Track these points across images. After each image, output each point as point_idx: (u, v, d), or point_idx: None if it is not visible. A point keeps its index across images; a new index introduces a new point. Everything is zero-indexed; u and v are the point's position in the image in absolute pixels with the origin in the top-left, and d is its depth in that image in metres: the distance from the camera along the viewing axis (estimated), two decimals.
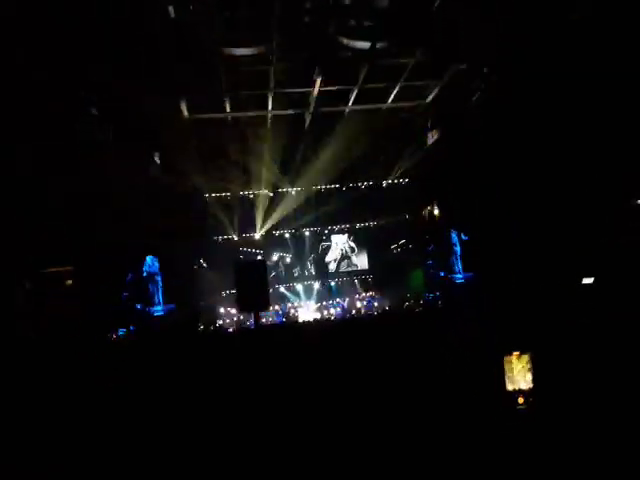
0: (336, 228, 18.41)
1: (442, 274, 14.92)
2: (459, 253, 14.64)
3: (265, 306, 7.40)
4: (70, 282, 12.10)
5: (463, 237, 14.52)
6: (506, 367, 3.98)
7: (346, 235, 18.78)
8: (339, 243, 18.78)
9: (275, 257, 17.75)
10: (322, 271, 18.40)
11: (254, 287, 6.76)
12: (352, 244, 18.75)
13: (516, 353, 4.01)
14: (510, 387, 3.93)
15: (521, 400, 3.90)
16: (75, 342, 8.71)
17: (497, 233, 11.27)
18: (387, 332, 7.36)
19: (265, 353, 6.36)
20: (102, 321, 11.14)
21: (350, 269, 18.71)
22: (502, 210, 11.24)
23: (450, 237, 14.81)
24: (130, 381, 5.64)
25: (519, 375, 3.93)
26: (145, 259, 13.76)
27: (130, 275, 13.40)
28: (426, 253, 16.10)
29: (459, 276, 14.46)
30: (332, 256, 18.71)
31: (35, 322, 10.22)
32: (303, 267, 18.28)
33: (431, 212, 16.86)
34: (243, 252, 16.89)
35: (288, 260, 17.87)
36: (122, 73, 9.39)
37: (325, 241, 18.61)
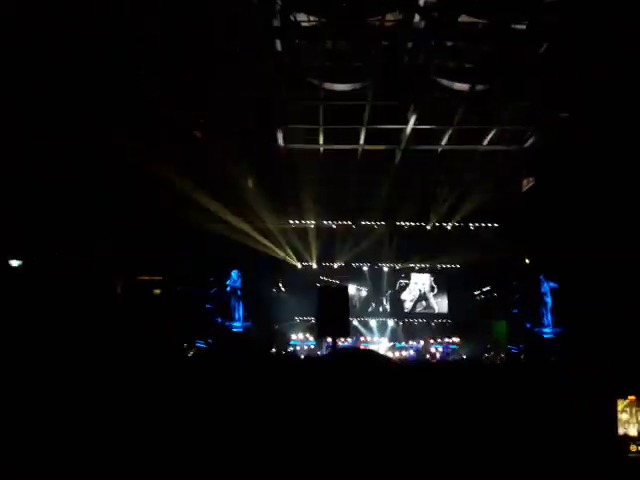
0: (417, 267, 18.29)
1: (529, 326, 14.30)
2: (550, 304, 13.99)
3: (345, 333, 7.60)
4: (158, 291, 13.14)
5: (552, 285, 13.89)
6: (619, 411, 3.92)
7: (427, 275, 18.55)
8: (418, 282, 18.59)
9: (352, 290, 17.94)
10: (398, 309, 18.26)
11: (336, 313, 6.98)
12: (433, 284, 18.48)
13: (632, 397, 3.92)
14: (622, 432, 3.86)
15: (634, 448, 3.82)
16: (159, 348, 9.35)
17: (596, 286, 10.75)
18: (466, 383, 7.22)
19: (339, 385, 6.49)
20: (185, 330, 11.82)
21: (427, 311, 18.40)
22: (600, 263, 10.74)
23: (540, 286, 14.23)
24: (200, 396, 5.96)
25: (633, 420, 3.85)
26: (230, 273, 14.61)
27: (215, 288, 14.27)
28: (512, 302, 15.53)
29: (548, 330, 13.77)
30: (409, 295, 18.55)
31: (124, 325, 11.00)
32: (379, 303, 18.28)
33: (521, 260, 16.31)
34: (321, 280, 17.29)
35: (364, 293, 17.99)
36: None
37: (404, 278, 18.51)
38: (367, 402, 5.94)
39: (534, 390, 6.37)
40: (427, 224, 16.58)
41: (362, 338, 17.42)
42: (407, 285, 18.59)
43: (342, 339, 15.51)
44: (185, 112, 10.53)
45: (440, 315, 18.32)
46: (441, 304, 18.47)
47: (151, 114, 10.10)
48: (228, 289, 14.58)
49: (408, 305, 18.51)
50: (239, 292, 14.78)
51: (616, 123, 9.37)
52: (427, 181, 13.67)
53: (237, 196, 13.49)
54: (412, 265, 18.09)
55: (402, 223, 16.55)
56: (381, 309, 18.29)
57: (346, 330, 7.44)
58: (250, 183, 14.26)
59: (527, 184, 13.74)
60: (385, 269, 18.25)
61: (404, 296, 18.54)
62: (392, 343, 17.37)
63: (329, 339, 14.94)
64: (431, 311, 18.39)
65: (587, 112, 10.06)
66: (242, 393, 6.13)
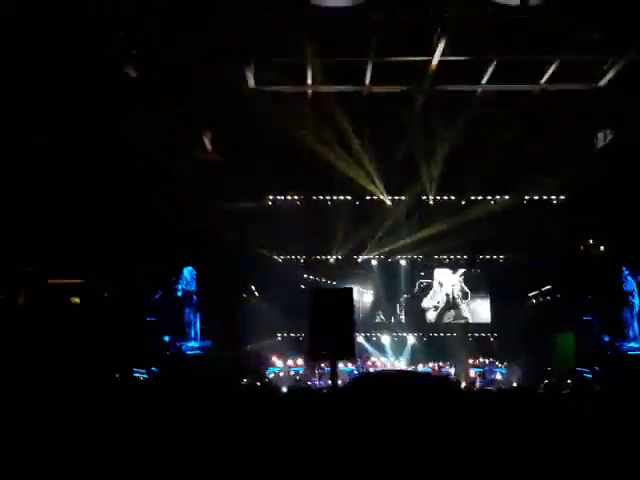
0: (446, 259, 18.42)
1: (607, 339, 14.55)
2: (637, 309, 14.19)
3: (349, 353, 7.52)
4: (77, 300, 13.15)
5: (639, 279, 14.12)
6: None
7: (458, 273, 18.67)
8: (445, 283, 18.69)
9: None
10: (417, 321, 18.38)
11: (336, 326, 6.87)
12: (465, 287, 18.62)
13: None
14: None
15: None
16: (78, 380, 9.37)
17: None
18: (516, 423, 7.33)
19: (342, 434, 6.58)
20: (117, 355, 11.86)
21: (457, 321, 18.58)
22: None
23: (622, 283, 14.44)
24: (135, 450, 6.03)
25: None
26: (182, 272, 14.65)
27: (160, 294, 14.28)
28: (582, 306, 15.75)
29: (634, 345, 13.98)
30: (432, 301, 18.68)
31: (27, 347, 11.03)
32: (390, 312, 18.39)
33: (594, 246, 16.50)
34: (306, 281, 17.36)
35: (369, 299, 18.05)
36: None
37: (425, 277, 18.58)
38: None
39: (615, 434, 6.51)
40: (462, 198, 16.65)
41: (369, 361, 17.60)
42: (430, 287, 18.67)
43: (344, 363, 15.66)
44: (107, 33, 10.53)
45: (479, 327, 18.53)
46: (480, 312, 18.66)
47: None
48: (179, 294, 14.62)
49: (431, 316, 18.63)
50: (195, 298, 14.84)
51: None
52: (460, 136, 13.67)
53: (190, 163, 13.43)
54: (440, 257, 18.18)
55: (426, 196, 16.53)
56: (393, 320, 18.38)
57: (351, 350, 7.38)
58: (207, 143, 14.22)
59: (603, 139, 13.83)
60: (402, 263, 18.32)
61: (426, 303, 18.64)
62: (412, 367, 17.56)
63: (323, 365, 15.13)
64: (462, 321, 18.56)
65: None
66: (196, 450, 6.22)
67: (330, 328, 7.03)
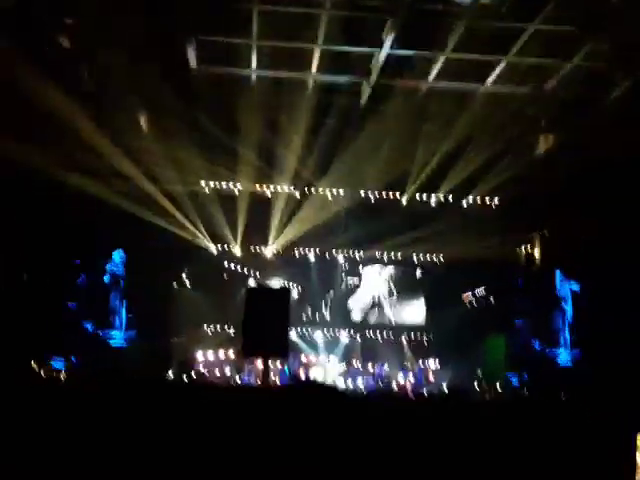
0: (384, 257, 18.36)
1: (537, 346, 14.64)
2: (569, 314, 14.27)
3: (283, 351, 7.54)
4: None
5: (574, 286, 14.21)
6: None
7: (387, 273, 18.67)
8: (373, 283, 18.67)
9: (276, 286, 17.59)
10: (342, 318, 18.32)
11: (271, 324, 6.88)
12: (393, 288, 18.65)
13: None
14: None
15: None
16: None
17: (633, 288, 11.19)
18: (442, 428, 7.24)
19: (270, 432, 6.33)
20: (33, 341, 11.33)
21: (383, 322, 18.58)
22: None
23: (555, 287, 14.53)
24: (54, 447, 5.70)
25: None
26: (112, 255, 14.03)
27: (82, 276, 13.66)
28: (515, 310, 15.90)
29: (564, 352, 14.08)
30: (359, 301, 18.65)
31: None
32: (315, 308, 18.21)
33: (530, 250, 16.73)
34: (233, 272, 17.05)
35: (295, 295, 17.83)
36: None
37: (353, 275, 18.54)
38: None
39: (537, 442, 6.47)
40: (402, 196, 16.64)
41: (303, 357, 17.37)
42: (357, 286, 18.66)
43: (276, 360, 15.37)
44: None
45: (411, 328, 18.54)
46: (410, 312, 18.67)
47: None
48: (106, 278, 14.06)
49: (357, 316, 18.61)
50: (122, 283, 14.33)
51: None
52: (405, 133, 13.63)
53: (123, 143, 13.05)
54: (374, 255, 18.15)
55: (367, 193, 16.53)
56: (318, 317, 18.23)
57: (284, 348, 7.37)
58: (143, 124, 13.72)
59: (545, 144, 14.02)
60: (338, 259, 18.20)
61: (352, 303, 18.61)
62: (345, 366, 17.44)
63: (258, 362, 14.83)
64: (386, 322, 18.58)
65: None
66: (108, 440, 5.86)
67: (264, 326, 6.96)
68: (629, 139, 11.24)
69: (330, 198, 16.56)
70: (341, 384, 16.26)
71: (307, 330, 18.01)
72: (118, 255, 14.23)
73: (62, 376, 12.20)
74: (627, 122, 11.66)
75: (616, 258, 12.27)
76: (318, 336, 18.06)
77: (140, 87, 12.40)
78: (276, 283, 17.61)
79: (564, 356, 14.28)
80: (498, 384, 15.04)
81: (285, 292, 7.57)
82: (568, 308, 14.48)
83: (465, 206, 16.83)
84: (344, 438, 6.33)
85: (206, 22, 11.19)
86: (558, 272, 14.80)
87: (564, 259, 14.84)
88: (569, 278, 14.58)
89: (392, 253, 18.27)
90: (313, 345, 17.99)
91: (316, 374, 16.84)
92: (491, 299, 17.47)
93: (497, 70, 12.52)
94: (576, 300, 14.34)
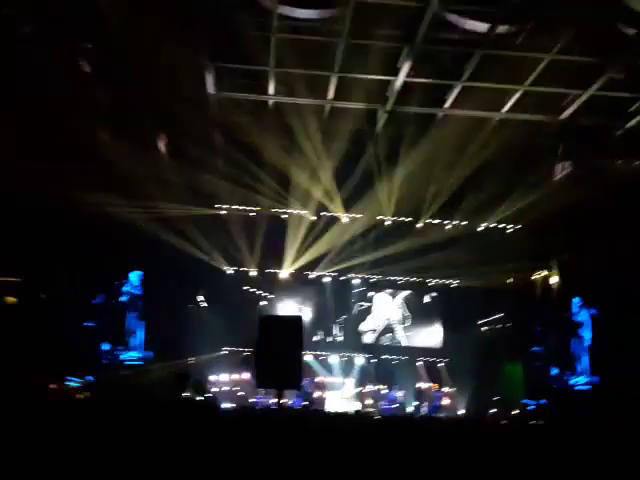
0: (396, 281, 18.39)
1: (555, 372, 14.51)
2: (587, 342, 14.12)
3: (295, 384, 7.56)
4: (13, 299, 12.64)
5: (592, 312, 14.07)
6: None
7: (400, 297, 18.67)
8: (385, 307, 18.68)
9: (287, 309, 17.67)
10: (353, 341, 18.40)
11: (282, 356, 6.89)
12: (406, 311, 18.66)
13: None
14: None
15: None
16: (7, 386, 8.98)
17: None
18: (457, 453, 7.21)
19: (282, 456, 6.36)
20: (50, 361, 11.41)
21: (396, 345, 18.52)
22: None
23: (573, 314, 14.41)
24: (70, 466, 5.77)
25: None
26: (129, 276, 14.19)
27: (100, 297, 13.79)
28: (532, 336, 15.80)
29: (582, 379, 13.92)
30: (371, 324, 18.65)
31: None
32: (329, 331, 18.25)
33: (547, 277, 16.65)
34: (248, 294, 17.14)
35: (309, 316, 17.86)
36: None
37: (366, 299, 18.60)
38: None
39: (554, 469, 6.42)
40: (418, 221, 16.68)
41: (318, 379, 17.40)
42: (369, 309, 18.67)
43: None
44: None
45: (430, 352, 18.49)
46: (424, 337, 18.63)
47: None
48: (124, 298, 14.19)
49: (368, 339, 18.61)
50: (140, 303, 14.45)
51: None
52: (421, 159, 13.67)
53: (142, 167, 13.16)
54: (390, 278, 18.20)
55: (383, 217, 16.56)
56: (331, 340, 18.25)
57: (297, 380, 7.40)
58: (163, 148, 13.91)
59: (561, 171, 13.99)
60: (353, 282, 18.28)
61: (364, 325, 18.61)
62: (359, 388, 17.44)
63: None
64: (399, 346, 18.53)
65: None
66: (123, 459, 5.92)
67: (277, 358, 6.98)
68: None
69: (346, 222, 16.61)
70: (355, 407, 16.24)
71: (322, 352, 18.04)
72: (136, 276, 14.36)
73: (79, 396, 12.28)
74: None
75: (634, 284, 12.19)
76: (333, 358, 18.09)
77: (160, 112, 12.57)
78: (290, 305, 17.69)
79: (583, 382, 14.10)
80: (515, 410, 14.92)
81: (298, 321, 7.53)
82: (586, 334, 14.30)
83: (481, 232, 16.83)
84: (356, 461, 6.35)
85: (224, 50, 11.38)
86: (576, 298, 14.70)
87: (581, 285, 14.74)
88: (587, 304, 14.46)
89: (407, 278, 18.33)
90: (328, 367, 18.01)
91: (330, 396, 16.85)
92: (509, 325, 17.40)
93: (514, 98, 12.55)
94: (595, 326, 14.18)
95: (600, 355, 13.93)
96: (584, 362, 14.26)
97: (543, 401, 14.28)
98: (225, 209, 16.17)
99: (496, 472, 6.25)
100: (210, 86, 12.37)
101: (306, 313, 17.71)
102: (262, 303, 17.49)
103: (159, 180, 13.80)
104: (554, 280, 16.33)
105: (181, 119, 12.74)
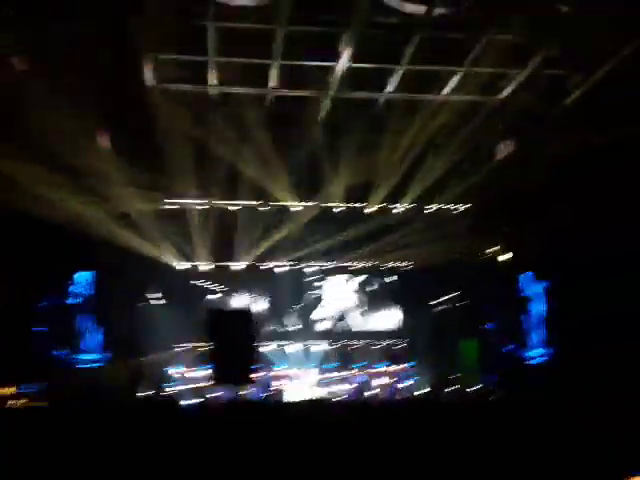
0: (349, 267, 18.47)
1: (508, 347, 14.71)
2: (540, 315, 14.32)
3: (246, 380, 7.51)
4: None
5: (542, 285, 14.28)
6: None
7: (355, 282, 18.75)
8: (338, 293, 18.73)
9: (239, 302, 17.58)
10: (308, 330, 18.43)
11: (234, 352, 6.83)
12: (362, 296, 18.75)
13: None
14: None
15: None
16: None
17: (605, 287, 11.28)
18: (418, 430, 7.31)
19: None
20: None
21: (351, 331, 18.57)
22: (606, 253, 11.32)
23: (523, 287, 14.60)
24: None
25: None
26: (73, 277, 13.88)
27: (48, 300, 13.51)
28: (485, 313, 16.03)
29: (536, 352, 14.12)
30: (326, 311, 18.68)
31: None
32: (283, 321, 18.23)
33: (497, 254, 16.92)
34: (200, 289, 17.13)
35: (263, 308, 17.83)
36: None
37: (319, 287, 18.63)
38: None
39: (512, 442, 6.54)
40: (367, 206, 16.75)
41: (277, 370, 17.36)
42: (322, 297, 18.70)
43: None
44: None
45: (384, 335, 18.64)
46: (380, 320, 18.78)
47: None
48: (75, 300, 13.93)
49: (323, 326, 18.65)
50: (90, 304, 14.21)
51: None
52: (366, 144, 13.71)
53: (84, 164, 12.90)
54: (342, 265, 18.25)
55: (331, 204, 16.57)
56: (287, 329, 18.25)
57: (247, 376, 7.35)
58: (104, 143, 13.65)
59: (504, 150, 14.18)
60: (310, 270, 18.29)
61: (319, 314, 18.65)
62: (321, 375, 17.48)
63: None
64: (356, 331, 18.69)
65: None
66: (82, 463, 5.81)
67: (230, 354, 6.92)
68: (586, 141, 11.46)
69: (296, 211, 16.62)
70: (316, 394, 16.30)
71: (279, 343, 18.01)
72: (83, 277, 14.10)
73: (34, 403, 12.05)
74: (584, 125, 11.86)
75: (584, 256, 12.43)
76: (291, 348, 18.07)
77: (96, 106, 12.29)
78: (243, 298, 17.62)
79: (536, 355, 14.31)
80: (472, 386, 15.15)
81: (247, 312, 7.44)
82: (538, 308, 14.54)
83: (431, 213, 17.00)
84: (319, 448, 6.37)
85: (161, 40, 11.17)
86: (526, 273, 14.93)
87: (531, 260, 14.99)
88: (537, 278, 14.69)
89: (359, 262, 18.41)
90: (286, 357, 17.98)
91: (291, 386, 16.85)
92: (462, 303, 17.61)
93: (454, 80, 12.66)
94: (546, 299, 14.41)
95: (554, 327, 14.15)
96: (537, 335, 14.48)
97: (498, 376, 14.51)
98: (173, 203, 15.94)
99: (456, 448, 6.35)
100: (149, 78, 12.15)
101: (259, 305, 17.67)
102: (210, 297, 17.36)
103: (104, 176, 13.54)
104: (504, 256, 16.58)
105: (121, 113, 12.49)
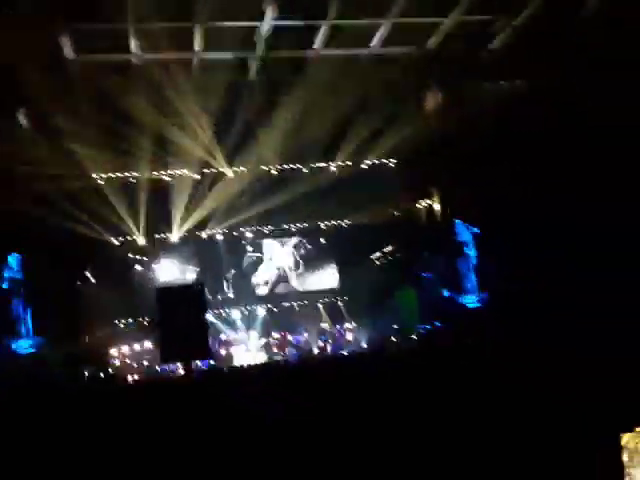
0: (293, 228, 18.45)
1: (445, 294, 14.95)
2: (473, 261, 14.60)
3: (204, 353, 7.36)
4: None
5: (474, 231, 14.46)
6: (627, 449, 3.71)
7: (291, 244, 18.82)
8: (276, 256, 18.75)
9: (172, 272, 17.45)
10: (246, 295, 18.31)
11: (186, 327, 6.69)
12: (299, 258, 18.78)
13: None
14: (636, 477, 3.61)
15: None
16: None
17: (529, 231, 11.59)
18: (367, 383, 7.41)
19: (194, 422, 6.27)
20: None
21: (292, 292, 18.67)
22: (533, 198, 11.63)
23: (456, 235, 14.74)
24: None
25: None
26: (7, 260, 13.44)
27: None
28: (421, 263, 16.23)
29: (471, 298, 14.41)
30: (264, 276, 18.69)
31: None
32: (216, 289, 18.06)
33: (430, 205, 17.18)
34: (139, 262, 16.90)
35: (192, 276, 17.61)
36: None
37: (255, 251, 18.55)
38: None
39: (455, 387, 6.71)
40: (303, 167, 16.77)
41: (222, 337, 17.29)
42: (260, 261, 18.68)
43: None
44: None
45: (327, 293, 18.78)
46: (321, 279, 18.89)
47: None
48: (5, 285, 13.41)
49: (263, 290, 18.65)
50: (22, 290, 13.69)
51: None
52: (299, 103, 13.59)
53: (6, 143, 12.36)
54: (280, 228, 18.23)
55: (268, 167, 16.51)
56: (220, 297, 18.15)
57: (204, 349, 7.21)
58: (23, 121, 13.08)
59: (432, 100, 14.31)
60: (246, 236, 18.14)
61: (257, 279, 18.62)
62: (265, 339, 17.50)
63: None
64: (297, 292, 18.72)
65: None
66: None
67: (180, 329, 6.74)
68: (513, 90, 11.71)
69: (231, 176, 16.42)
70: (263, 357, 16.33)
71: (222, 309, 17.90)
72: (14, 259, 13.53)
73: None
74: (510, 72, 12.07)
75: (511, 203, 12.70)
76: (233, 314, 18.00)
77: (15, 82, 11.71)
78: (183, 269, 17.38)
79: (472, 300, 14.54)
80: (413, 336, 15.41)
81: (198, 288, 7.29)
82: (471, 254, 14.71)
83: (364, 169, 17.12)
84: (272, 409, 6.37)
85: (78, 9, 10.69)
86: (457, 220, 15.12)
87: (462, 208, 15.20)
88: (469, 225, 14.85)
89: (298, 224, 18.43)
90: (229, 323, 17.91)
91: (237, 352, 16.82)
92: (398, 255, 17.84)
93: (379, 33, 12.66)
94: (477, 245, 14.65)
95: (486, 272, 14.49)
96: (471, 281, 14.70)
97: (437, 323, 14.78)
98: (102, 178, 15.48)
99: (403, 398, 6.46)
100: (68, 51, 11.64)
101: (195, 273, 17.45)
102: (148, 270, 17.08)
103: (27, 156, 12.97)
104: (436, 207, 16.86)
105: (41, 88, 11.91)
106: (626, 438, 3.64)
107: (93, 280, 16.34)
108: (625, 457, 3.64)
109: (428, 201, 17.26)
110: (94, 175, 15.32)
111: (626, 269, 9.85)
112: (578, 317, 9.24)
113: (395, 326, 16.55)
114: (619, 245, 10.22)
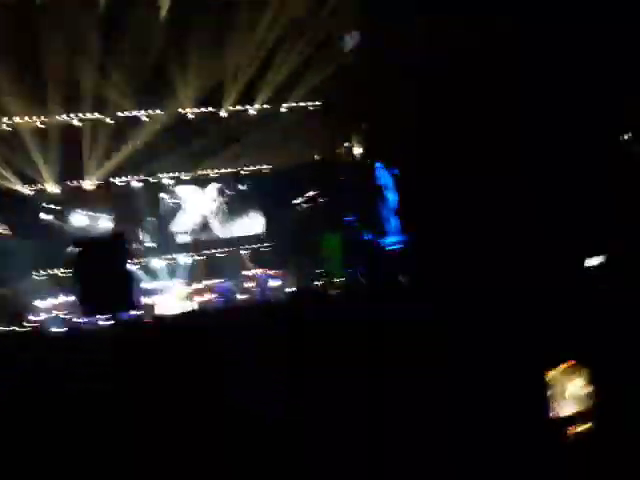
0: (211, 174, 18.07)
1: (369, 237, 15.06)
2: (393, 203, 14.67)
3: (129, 305, 7.16)
4: None
5: (394, 173, 14.53)
6: (552, 385, 3.89)
7: (213, 190, 18.47)
8: (194, 203, 18.38)
9: (87, 222, 16.85)
10: (166, 244, 17.96)
11: (107, 277, 6.43)
12: (222, 204, 18.49)
13: (565, 365, 3.93)
14: (560, 412, 3.72)
15: (574, 429, 3.79)
16: None
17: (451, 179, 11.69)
18: (296, 328, 7.40)
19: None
20: None
21: (214, 239, 18.47)
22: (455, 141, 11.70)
23: (377, 177, 14.79)
24: None
25: (571, 395, 3.86)
26: None
27: None
28: (344, 207, 16.28)
29: (393, 239, 14.55)
30: (183, 224, 18.34)
31: None
32: (144, 237, 17.66)
33: (351, 148, 17.16)
34: (51, 212, 16.24)
35: (105, 225, 17.12)
36: None
37: (174, 197, 18.13)
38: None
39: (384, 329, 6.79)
40: (220, 110, 16.29)
41: (144, 286, 16.98)
42: (179, 207, 18.28)
43: None
44: None
45: (251, 239, 18.66)
46: (242, 226, 18.74)
47: None
48: None
49: (184, 239, 18.34)
50: None
51: None
52: (213, 42, 13.16)
53: None
54: (203, 172, 17.85)
55: (185, 111, 15.98)
56: (140, 246, 17.67)
57: (129, 301, 6.99)
58: None
59: (351, 41, 14.11)
60: (168, 182, 17.66)
61: (177, 226, 18.26)
62: (190, 287, 17.32)
63: None
64: (219, 239, 18.55)
65: None
66: None
67: (102, 281, 6.48)
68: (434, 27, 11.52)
69: (146, 120, 15.86)
70: (188, 306, 16.17)
71: (142, 258, 17.50)
72: None
73: None
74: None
75: (430, 144, 12.75)
76: (155, 263, 17.64)
77: None
78: (98, 218, 16.79)
79: (393, 242, 14.70)
80: (339, 279, 15.58)
81: (120, 238, 7.00)
82: (391, 196, 14.81)
83: (285, 113, 16.85)
84: (202, 359, 6.27)
85: None
86: (377, 163, 15.14)
87: (382, 151, 15.22)
88: (388, 166, 14.88)
89: (217, 170, 18.08)
90: (152, 273, 17.58)
91: (161, 301, 16.59)
92: (322, 200, 17.84)
93: None
94: (397, 186, 14.72)
95: (404, 215, 14.61)
96: (393, 223, 14.85)
97: (361, 267, 14.93)
98: (7, 123, 14.65)
99: (330, 337, 6.49)
100: None
101: (111, 222, 16.89)
102: (47, 217, 16.29)
103: None
104: (357, 150, 16.83)
105: None
106: (550, 375, 3.78)
107: (4, 232, 15.67)
108: (550, 393, 3.80)
109: (350, 144, 17.21)
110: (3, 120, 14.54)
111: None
112: (500, 255, 9.41)
113: (320, 270, 16.64)
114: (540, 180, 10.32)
